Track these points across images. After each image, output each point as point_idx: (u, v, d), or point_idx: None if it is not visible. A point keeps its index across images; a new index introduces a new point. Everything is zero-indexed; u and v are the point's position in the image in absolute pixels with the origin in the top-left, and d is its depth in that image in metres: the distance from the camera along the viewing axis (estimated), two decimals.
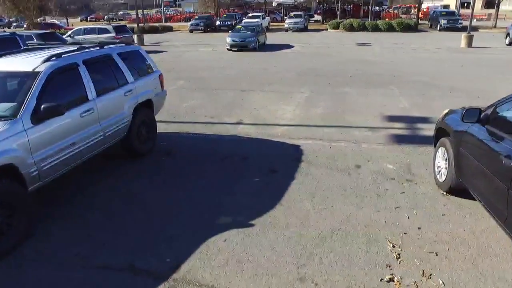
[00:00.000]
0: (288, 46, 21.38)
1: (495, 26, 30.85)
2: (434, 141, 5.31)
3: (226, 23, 32.10)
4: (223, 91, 10.63)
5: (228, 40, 19.93)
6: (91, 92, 4.76)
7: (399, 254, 3.58)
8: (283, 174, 5.35)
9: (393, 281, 3.23)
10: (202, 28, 32.45)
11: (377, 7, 37.50)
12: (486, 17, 42.93)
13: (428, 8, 46.60)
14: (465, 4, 50.21)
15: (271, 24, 35.17)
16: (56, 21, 42.89)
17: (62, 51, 4.81)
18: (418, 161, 5.72)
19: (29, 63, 4.43)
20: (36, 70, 4.25)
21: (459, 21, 29.06)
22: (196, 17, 37.90)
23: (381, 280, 3.24)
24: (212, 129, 7.34)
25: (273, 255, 3.62)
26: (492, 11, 38.92)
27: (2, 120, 3.78)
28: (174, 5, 66.79)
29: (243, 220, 4.19)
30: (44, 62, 4.36)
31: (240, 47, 19.70)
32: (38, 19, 33.01)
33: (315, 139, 6.73)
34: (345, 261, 3.51)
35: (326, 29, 32.58)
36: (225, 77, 12.71)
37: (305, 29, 31.52)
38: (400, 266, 3.42)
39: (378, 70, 13.63)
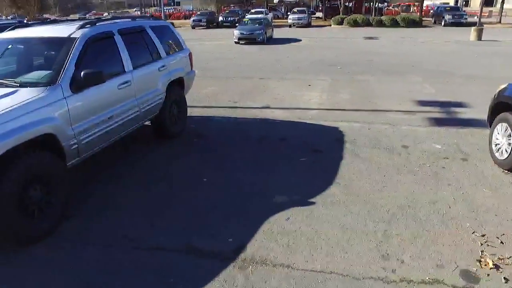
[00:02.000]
0: (295, 40, 21.04)
1: (499, 22, 30.74)
2: (489, 119, 5.00)
3: (229, 19, 31.64)
4: (240, 79, 10.27)
5: (236, 32, 19.54)
6: (127, 63, 4.39)
7: (483, 234, 3.25)
8: (329, 154, 5.01)
9: (484, 260, 2.91)
10: (205, 24, 31.98)
11: (379, 4, 37.21)
12: (487, 14, 42.90)
13: (427, 6, 46.46)
14: (464, 2, 50.14)
15: (273, 20, 34.80)
16: (56, 18, 42.23)
17: (95, 20, 4.44)
18: (465, 142, 5.41)
19: (63, 30, 4.07)
20: (72, 36, 3.88)
21: (464, 16, 28.87)
22: (198, 13, 37.47)
23: (478, 261, 2.91)
24: (238, 113, 6.98)
25: (345, 233, 3.28)
26: (492, 8, 38.88)
27: (40, 86, 3.41)
28: (172, 3, 66.18)
29: (301, 198, 3.84)
30: (79, 29, 4.00)
31: (248, 39, 19.32)
32: (38, 16, 32.42)
33: (350, 121, 6.40)
34: (426, 238, 3.18)
35: (330, 25, 32.27)
36: (238, 67, 12.34)
37: (308, 25, 31.16)
38: (486, 244, 3.09)
39: (392, 60, 13.33)
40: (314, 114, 6.85)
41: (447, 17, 29.04)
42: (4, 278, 2.82)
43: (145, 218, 3.54)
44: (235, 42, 19.69)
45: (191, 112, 6.97)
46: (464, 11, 31.39)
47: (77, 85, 3.57)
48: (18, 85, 3.44)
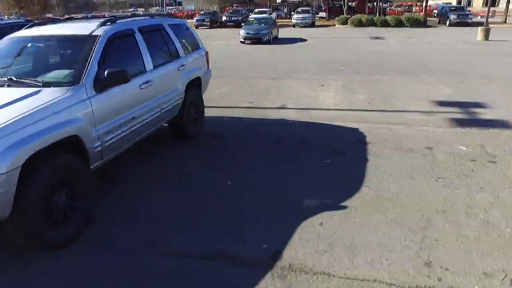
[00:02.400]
0: (301, 40, 20.89)
1: (505, 22, 30.58)
2: None
3: (233, 18, 31.54)
4: (252, 79, 10.14)
5: (242, 32, 19.40)
6: (148, 62, 4.26)
7: None
8: (352, 156, 4.88)
9: None
10: (208, 23, 31.87)
11: (382, 4, 37.03)
12: (490, 14, 42.70)
13: (429, 6, 46.33)
14: (467, 2, 50.02)
15: (277, 20, 34.63)
16: (59, 17, 42.12)
17: (114, 17, 4.31)
18: (491, 143, 5.27)
19: (83, 27, 3.94)
20: (94, 33, 3.75)
21: (469, 16, 28.72)
22: (202, 12, 37.35)
23: None
24: (254, 113, 6.85)
25: (382, 238, 3.14)
26: (495, 8, 38.82)
27: (63, 86, 3.28)
28: (174, 3, 66.09)
29: (331, 202, 3.71)
30: (101, 26, 3.87)
31: (254, 39, 19.18)
32: (42, 15, 32.30)
33: (369, 122, 6.26)
34: (467, 244, 3.04)
35: (334, 25, 32.13)
36: (248, 67, 12.21)
37: (312, 25, 31.00)
38: None
39: (403, 60, 13.18)
40: (331, 115, 6.71)
41: (452, 16, 28.88)
42: (29, 285, 2.69)
43: (170, 223, 3.41)
44: (241, 42, 19.57)
45: (206, 112, 6.84)
46: (469, 11, 31.21)
47: (100, 85, 3.44)
48: (41, 84, 3.31)
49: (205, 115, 6.31)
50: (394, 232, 3.22)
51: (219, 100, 7.83)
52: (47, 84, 3.30)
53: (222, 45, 19.19)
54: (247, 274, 2.75)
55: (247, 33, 19.17)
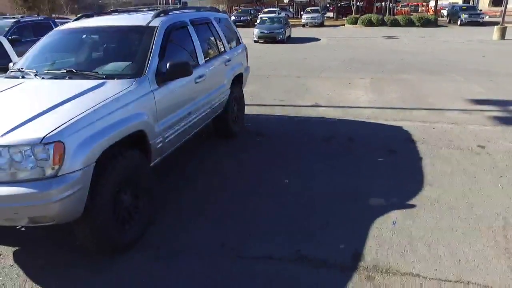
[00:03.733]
0: (315, 39, 20.75)
1: None
2: None
3: (242, 18, 31.43)
4: (276, 77, 10.00)
5: (256, 31, 19.29)
6: (201, 56, 4.12)
7: None
8: (405, 154, 4.73)
9: None
10: None
11: (390, 4, 36.86)
12: (499, 14, 42.48)
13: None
14: (473, 2, 49.77)
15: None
16: (68, 18, 42.10)
17: (165, 9, 4.17)
18: None
19: (138, 19, 3.81)
20: (151, 24, 3.61)
21: (481, 16, 28.51)
22: None
23: None
24: (290, 111, 6.71)
25: (460, 237, 3.00)
26: (502, 8, 38.61)
27: (127, 78, 3.14)
28: (179, 3, 66.13)
29: (399, 201, 3.56)
30: (156, 17, 3.73)
31: (268, 38, 19.05)
32: (52, 15, 32.23)
33: (411, 120, 6.10)
34: None
35: (343, 25, 31.97)
36: (269, 65, 12.06)
37: (322, 24, 30.87)
38: None
39: (423, 59, 13.01)
40: (369, 113, 6.55)
41: (464, 16, 28.67)
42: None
43: (237, 225, 3.26)
44: (254, 41, 19.44)
45: None
46: (481, 10, 31.00)
47: (162, 78, 3.30)
48: (104, 76, 3.17)
49: None
50: (472, 231, 3.07)
51: (250, 98, 7.67)
52: (110, 77, 3.17)
53: None
54: (332, 276, 2.61)
55: (261, 32, 19.06)
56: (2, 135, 2.30)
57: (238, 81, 5.31)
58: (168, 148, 3.54)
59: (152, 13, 3.87)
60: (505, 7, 19.89)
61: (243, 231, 3.17)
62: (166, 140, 3.40)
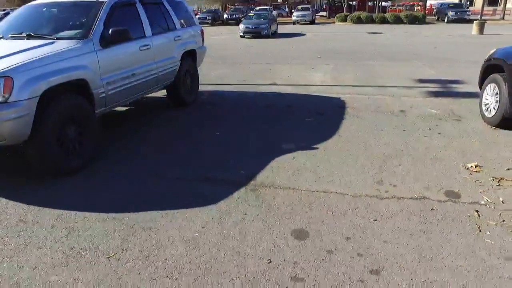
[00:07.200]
0: (300, 34, 21.47)
1: (503, 18, 30.99)
2: (480, 82, 5.39)
3: (234, 16, 32.28)
4: (248, 64, 10.71)
5: (241, 27, 20.02)
6: (147, 29, 4.84)
7: (467, 168, 3.65)
8: (332, 116, 5.42)
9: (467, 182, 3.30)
10: (210, 21, 32.63)
11: (383, 2, 37.57)
12: (491, 12, 43.09)
13: (431, 5, 46.76)
14: (468, 2, 50.58)
15: (277, 18, 35.26)
16: None
17: None
18: (460, 108, 5.79)
19: None
20: (100, 0, 4.33)
21: (467, 13, 29.16)
22: (204, 10, 38.07)
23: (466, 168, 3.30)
24: (247, 88, 7.41)
25: (346, 167, 3.68)
26: (496, 7, 39.37)
27: (74, 39, 3.86)
28: None
29: (306, 145, 4.26)
30: None
31: (253, 33, 19.78)
32: None
33: (352, 94, 6.80)
34: (416, 172, 3.57)
35: (334, 23, 32.70)
36: (246, 55, 12.79)
37: (312, 22, 31.65)
38: (469, 174, 3.48)
39: (396, 49, 13.69)
40: (318, 89, 7.25)
41: (450, 13, 29.33)
42: (55, 198, 3.26)
43: (169, 162, 3.95)
44: (240, 36, 20.17)
45: (202, 89, 7.41)
46: (468, 7, 31.63)
47: (105, 41, 4.03)
48: (55, 38, 3.89)
49: (201, 91, 6.88)
50: (356, 164, 3.76)
51: (215, 80, 8.40)
52: (60, 38, 3.89)
53: (222, 39, 19.80)
54: (225, 190, 3.29)
55: (247, 27, 19.78)
56: None
57: (191, 56, 6.02)
58: (113, 101, 4.24)
59: None
60: (483, 4, 20.50)
61: (169, 163, 3.87)
62: (110, 93, 4.11)
